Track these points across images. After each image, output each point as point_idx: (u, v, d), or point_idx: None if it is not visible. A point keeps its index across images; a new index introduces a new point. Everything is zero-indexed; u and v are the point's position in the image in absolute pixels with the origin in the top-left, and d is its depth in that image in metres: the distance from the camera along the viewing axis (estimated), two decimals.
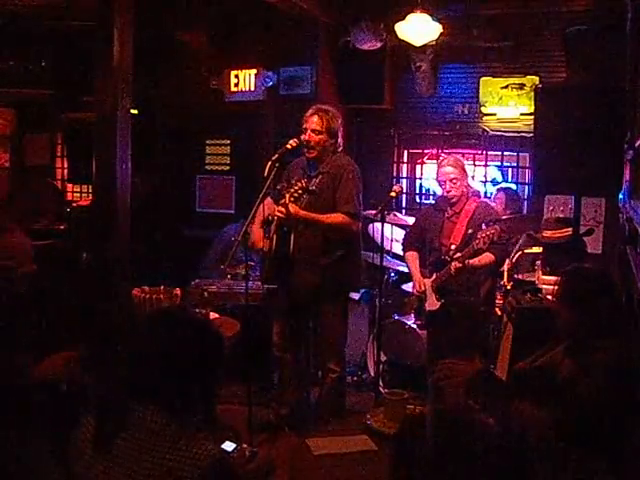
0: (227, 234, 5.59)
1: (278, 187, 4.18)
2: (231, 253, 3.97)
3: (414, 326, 5.11)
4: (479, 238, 4.29)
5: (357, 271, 4.42)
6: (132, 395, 1.80)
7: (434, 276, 4.66)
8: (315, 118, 4.13)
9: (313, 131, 4.12)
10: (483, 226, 4.36)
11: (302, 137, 4.14)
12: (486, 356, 4.57)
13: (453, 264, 4.43)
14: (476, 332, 4.62)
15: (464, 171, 4.69)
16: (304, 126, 4.17)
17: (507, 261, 4.61)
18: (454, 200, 4.66)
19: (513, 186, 6.04)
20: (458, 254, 4.45)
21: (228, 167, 6.84)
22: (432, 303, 4.68)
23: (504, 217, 5.24)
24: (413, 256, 4.88)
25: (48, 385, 2.49)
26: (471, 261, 4.41)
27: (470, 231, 4.52)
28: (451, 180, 4.62)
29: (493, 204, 5.35)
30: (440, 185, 4.76)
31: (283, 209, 3.93)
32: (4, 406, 2.38)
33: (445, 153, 6.25)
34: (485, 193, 6.18)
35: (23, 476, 2.38)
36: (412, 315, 5.21)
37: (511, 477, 1.40)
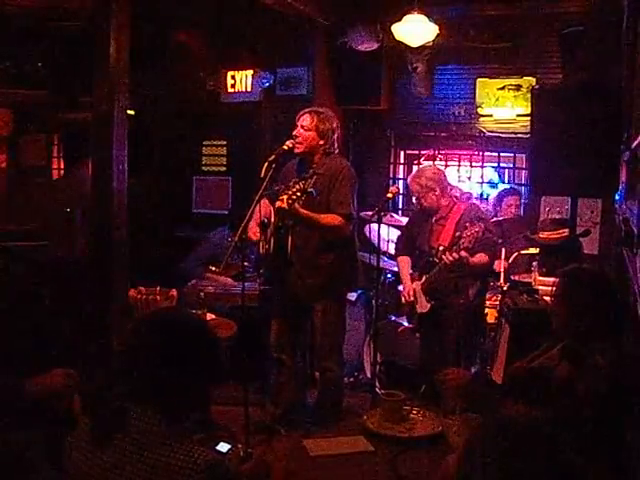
0: (214, 238, 5.57)
1: (276, 188, 4.18)
2: (226, 256, 3.96)
3: (410, 327, 5.10)
4: (464, 237, 4.29)
5: (354, 271, 4.44)
6: (128, 396, 1.80)
7: (423, 278, 4.64)
8: (306, 116, 4.25)
9: (302, 127, 4.22)
10: (467, 225, 4.36)
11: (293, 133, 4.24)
12: (481, 357, 4.58)
13: (447, 254, 4.31)
14: (466, 333, 4.62)
15: (436, 183, 4.60)
16: (296, 123, 4.27)
17: (503, 262, 4.61)
18: (430, 211, 4.67)
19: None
20: (447, 252, 4.39)
21: (225, 168, 6.84)
22: (423, 305, 4.64)
23: (500, 218, 5.25)
24: (404, 261, 4.86)
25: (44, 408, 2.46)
26: (470, 258, 4.37)
27: (458, 233, 4.50)
28: (417, 196, 4.67)
29: (483, 206, 5.34)
30: None
31: (284, 203, 3.91)
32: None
33: (442, 154, 6.27)
34: (481, 194, 6.19)
35: (21, 476, 2.38)
36: None
37: None
